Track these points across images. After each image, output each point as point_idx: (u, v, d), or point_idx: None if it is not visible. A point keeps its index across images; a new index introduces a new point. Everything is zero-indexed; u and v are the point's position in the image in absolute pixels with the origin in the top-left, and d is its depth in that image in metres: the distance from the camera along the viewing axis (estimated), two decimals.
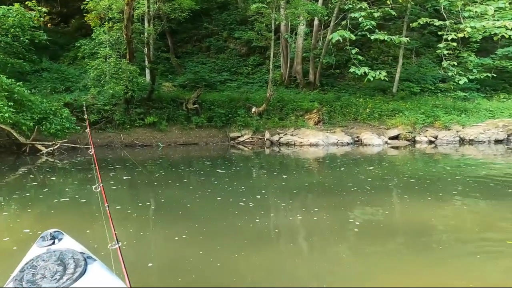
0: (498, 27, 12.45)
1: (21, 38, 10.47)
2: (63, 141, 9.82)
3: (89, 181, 6.97)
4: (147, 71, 14.14)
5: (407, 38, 14.05)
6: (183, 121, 13.20)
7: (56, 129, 9.34)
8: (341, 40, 13.08)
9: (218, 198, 5.87)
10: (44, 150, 9.52)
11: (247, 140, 13.12)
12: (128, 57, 12.10)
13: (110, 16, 12.14)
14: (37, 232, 3.77)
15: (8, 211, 5.19)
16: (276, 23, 13.98)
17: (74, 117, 10.48)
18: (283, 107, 14.03)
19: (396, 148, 12.48)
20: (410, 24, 14.48)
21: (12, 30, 10.09)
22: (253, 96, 14.49)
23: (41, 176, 7.61)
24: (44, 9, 10.88)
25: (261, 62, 17.19)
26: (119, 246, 1.89)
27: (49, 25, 19.15)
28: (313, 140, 12.74)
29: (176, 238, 4.08)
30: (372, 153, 11.58)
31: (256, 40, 16.59)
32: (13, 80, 9.00)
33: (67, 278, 1.55)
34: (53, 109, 9.55)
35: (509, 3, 13.41)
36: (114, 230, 2.04)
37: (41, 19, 11.02)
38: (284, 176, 7.92)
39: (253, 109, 13.62)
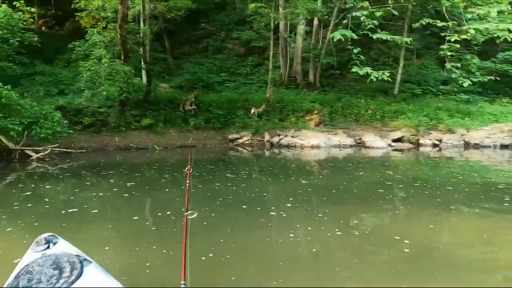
0: (501, 30, 12.10)
1: (10, 41, 9.87)
2: (54, 146, 9.32)
3: (89, 189, 6.52)
4: (143, 72, 13.69)
5: (410, 38, 13.60)
6: (180, 123, 12.75)
7: (46, 133, 8.84)
8: (343, 40, 12.65)
9: (244, 206, 5.25)
10: (34, 155, 9.02)
11: (246, 142, 12.66)
12: (122, 58, 11.63)
13: (104, 16, 11.64)
14: None
15: (12, 227, 4.45)
16: (275, 22, 13.53)
17: (66, 121, 9.99)
18: (283, 108, 13.57)
19: (400, 151, 11.97)
20: (413, 25, 14.06)
21: (0, 32, 9.50)
22: (252, 96, 14.04)
23: (33, 185, 6.99)
24: (33, 10, 10.27)
25: (260, 62, 16.71)
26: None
27: (43, 28, 18.65)
28: (314, 142, 12.28)
29: (203, 258, 3.43)
30: (378, 156, 11.04)
31: (255, 40, 16.14)
32: (0, 83, 8.48)
33: (63, 281, 1.53)
34: (43, 112, 9.04)
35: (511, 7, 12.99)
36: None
37: (31, 20, 10.42)
38: (304, 182, 7.25)
39: (252, 110, 13.17)
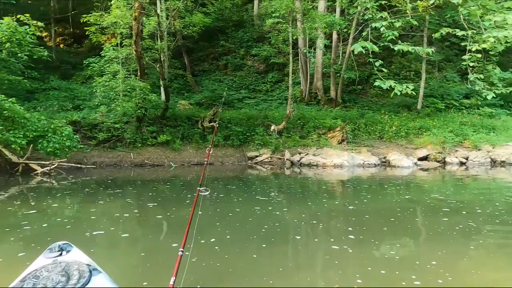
0: None
1: (19, 55, 8.69)
2: (62, 160, 7.99)
3: (108, 208, 5.36)
4: (162, 88, 12.55)
5: (432, 49, 12.09)
6: (198, 139, 11.40)
7: (54, 147, 7.55)
8: (364, 52, 11.20)
9: (298, 237, 4.19)
10: (40, 170, 7.69)
11: (265, 160, 11.14)
12: (139, 74, 10.50)
13: (119, 31, 10.58)
14: None
15: (26, 251, 3.34)
16: (294, 37, 12.26)
17: (77, 135, 8.73)
18: (304, 125, 12.07)
19: (426, 170, 10.22)
20: (433, 35, 12.56)
21: (6, 46, 8.28)
22: (272, 113, 12.63)
23: (42, 202, 5.74)
24: (40, 24, 9.00)
25: (280, 79, 15.40)
26: None
27: (61, 45, 17.89)
28: (337, 161, 10.67)
29: None
30: (407, 177, 9.30)
31: (274, 57, 14.93)
32: (3, 96, 7.30)
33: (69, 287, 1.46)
34: (52, 126, 7.77)
35: None
36: None
37: (36, 34, 9.00)
38: (351, 207, 5.68)
39: (272, 127, 11.71)
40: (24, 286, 1.41)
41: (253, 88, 15.13)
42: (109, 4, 10.87)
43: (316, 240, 4.02)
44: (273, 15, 11.71)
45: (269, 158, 11.23)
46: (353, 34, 12.76)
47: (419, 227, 4.62)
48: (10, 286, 1.46)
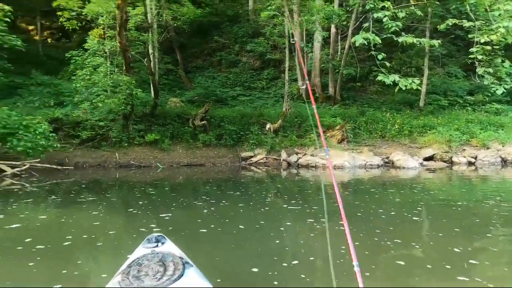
0: None
1: None
2: (35, 161, 7.27)
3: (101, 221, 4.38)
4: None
5: (439, 41, 11.26)
6: (188, 139, 10.69)
7: (25, 146, 6.84)
8: (366, 44, 10.44)
9: None
10: (9, 171, 6.96)
11: (260, 161, 10.43)
12: (124, 67, 9.79)
13: (101, 22, 9.88)
14: None
15: None
16: (290, 30, 11.55)
17: (55, 134, 8.01)
18: (301, 124, 11.34)
19: (433, 171, 9.44)
20: (438, 27, 11.78)
21: None
22: (268, 111, 11.89)
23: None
24: (7, 8, 8.02)
25: (276, 75, 14.66)
26: None
27: (49, 40, 17.12)
28: (338, 162, 9.91)
29: None
30: (415, 178, 8.44)
31: (270, 53, 14.22)
32: None
33: (166, 278, 1.57)
34: (24, 123, 7.06)
35: None
36: None
37: (4, 20, 8.08)
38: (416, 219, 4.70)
39: (268, 126, 10.99)
40: (130, 272, 1.59)
41: (248, 85, 14.39)
42: None
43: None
44: (269, 7, 11.02)
45: (264, 158, 10.51)
46: (352, 27, 12.03)
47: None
48: (119, 270, 1.68)
